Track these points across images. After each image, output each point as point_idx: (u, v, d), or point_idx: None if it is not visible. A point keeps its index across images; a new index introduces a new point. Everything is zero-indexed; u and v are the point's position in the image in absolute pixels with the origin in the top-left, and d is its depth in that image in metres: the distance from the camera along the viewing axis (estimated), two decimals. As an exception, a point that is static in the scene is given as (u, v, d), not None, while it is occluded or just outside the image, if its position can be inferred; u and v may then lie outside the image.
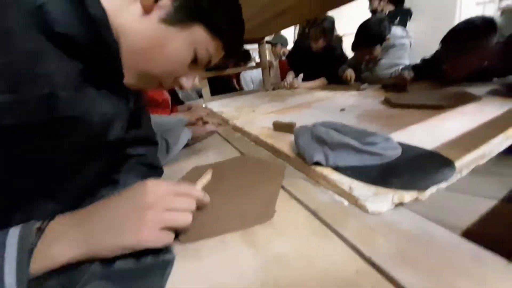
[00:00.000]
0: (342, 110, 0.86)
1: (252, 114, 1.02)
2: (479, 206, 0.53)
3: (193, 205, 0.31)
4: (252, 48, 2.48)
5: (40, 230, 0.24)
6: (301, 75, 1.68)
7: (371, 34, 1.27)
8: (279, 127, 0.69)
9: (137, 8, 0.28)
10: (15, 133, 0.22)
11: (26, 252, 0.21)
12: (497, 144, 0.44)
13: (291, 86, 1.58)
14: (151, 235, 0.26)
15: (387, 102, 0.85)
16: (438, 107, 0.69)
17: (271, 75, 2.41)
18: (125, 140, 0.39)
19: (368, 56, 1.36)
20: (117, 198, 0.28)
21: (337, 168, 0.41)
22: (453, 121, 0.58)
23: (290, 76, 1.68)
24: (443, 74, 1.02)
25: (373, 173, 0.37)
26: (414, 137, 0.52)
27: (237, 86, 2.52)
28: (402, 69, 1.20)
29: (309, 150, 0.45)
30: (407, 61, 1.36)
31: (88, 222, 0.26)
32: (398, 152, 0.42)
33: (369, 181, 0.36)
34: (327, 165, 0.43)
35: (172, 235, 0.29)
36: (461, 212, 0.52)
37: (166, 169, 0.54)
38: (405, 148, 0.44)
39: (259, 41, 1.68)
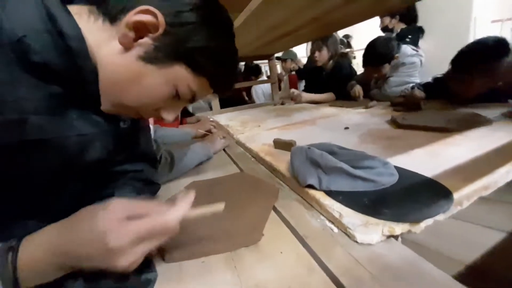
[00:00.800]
0: (346, 128, 0.85)
1: (256, 129, 1.03)
2: (484, 237, 0.50)
3: (163, 239, 0.28)
4: (263, 63, 2.54)
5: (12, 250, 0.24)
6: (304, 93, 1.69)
7: (378, 54, 1.27)
8: (279, 145, 0.69)
9: (117, 44, 0.29)
10: None
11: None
12: (504, 174, 0.42)
13: (294, 99, 1.58)
14: (123, 266, 0.25)
15: (393, 122, 0.83)
16: (445, 130, 0.67)
17: (281, 89, 2.44)
18: (112, 160, 0.39)
19: (377, 74, 1.35)
20: (83, 218, 0.26)
21: (329, 193, 0.41)
22: (458, 146, 0.56)
23: (295, 91, 1.70)
24: (454, 93, 1.00)
25: (365, 200, 0.36)
26: (415, 162, 0.51)
27: (247, 99, 2.57)
28: (412, 87, 1.17)
29: (303, 173, 0.45)
30: (417, 79, 1.33)
31: (59, 237, 0.26)
32: (394, 179, 0.41)
33: (360, 209, 0.35)
34: (320, 189, 0.42)
35: (139, 261, 0.26)
36: (463, 243, 0.49)
37: (164, 187, 0.55)
38: (403, 174, 0.43)
39: (268, 57, 1.72)
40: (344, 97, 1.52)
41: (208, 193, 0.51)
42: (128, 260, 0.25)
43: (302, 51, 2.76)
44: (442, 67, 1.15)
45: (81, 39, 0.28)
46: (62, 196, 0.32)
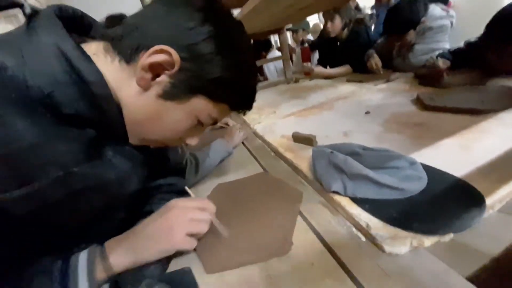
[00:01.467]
0: (367, 113, 0.81)
1: (272, 116, 1.02)
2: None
3: (208, 216, 0.39)
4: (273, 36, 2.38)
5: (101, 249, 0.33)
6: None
7: (401, 20, 1.14)
8: (298, 139, 0.69)
9: (136, 85, 0.30)
10: (36, 214, 0.26)
11: (93, 265, 0.31)
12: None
13: (307, 70, 1.52)
14: (180, 240, 0.36)
15: (419, 103, 0.78)
16: (478, 112, 0.62)
17: (293, 62, 2.32)
18: (149, 188, 0.44)
19: (400, 42, 1.23)
20: (152, 217, 0.37)
21: (355, 199, 0.41)
22: (493, 135, 0.53)
23: (309, 65, 1.61)
24: (488, 63, 0.90)
25: (393, 211, 0.37)
26: (445, 157, 0.49)
27: (259, 77, 2.48)
28: (438, 56, 1.07)
29: (327, 178, 0.45)
30: (447, 45, 1.20)
31: (132, 238, 0.35)
32: (422, 184, 0.40)
33: (388, 220, 0.36)
34: (345, 195, 0.43)
35: (195, 242, 0.38)
36: (489, 233, 0.48)
37: (192, 190, 0.58)
38: (432, 176, 0.42)
39: (279, 31, 1.61)
40: (362, 69, 1.42)
41: (233, 197, 0.53)
42: (183, 228, 0.36)
43: (314, 18, 2.54)
44: (477, 27, 1.02)
45: (104, 84, 0.28)
46: (108, 224, 0.36)
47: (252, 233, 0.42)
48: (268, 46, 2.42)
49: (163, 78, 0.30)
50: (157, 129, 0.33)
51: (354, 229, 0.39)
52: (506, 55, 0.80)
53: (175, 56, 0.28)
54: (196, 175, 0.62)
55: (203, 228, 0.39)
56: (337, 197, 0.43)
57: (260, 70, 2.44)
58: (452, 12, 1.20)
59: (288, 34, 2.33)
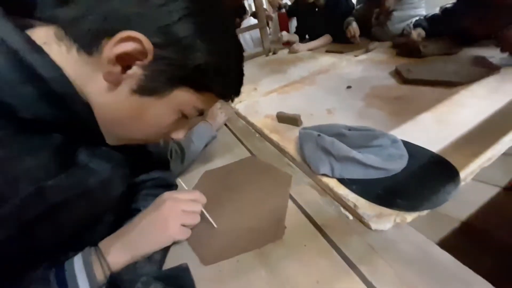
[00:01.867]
0: (349, 87, 0.81)
1: (254, 93, 0.98)
2: (480, 193, 0.56)
3: (199, 207, 0.41)
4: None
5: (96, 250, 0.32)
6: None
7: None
8: (283, 119, 0.68)
9: (103, 81, 0.25)
10: (15, 237, 0.24)
11: (90, 266, 0.30)
12: (507, 142, 0.44)
13: (293, 51, 1.45)
14: (176, 230, 0.37)
15: (397, 75, 0.80)
16: (452, 84, 0.65)
17: (270, 30, 2.19)
18: (132, 185, 0.41)
19: (378, 9, 1.20)
20: (146, 211, 0.38)
21: (342, 181, 0.43)
22: (466, 107, 0.56)
23: (288, 36, 1.53)
24: (463, 29, 0.92)
25: (378, 190, 0.39)
26: (423, 131, 0.52)
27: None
28: (414, 24, 1.07)
29: (315, 161, 0.46)
30: (423, 11, 1.19)
31: (127, 234, 0.35)
32: (404, 162, 0.42)
33: (373, 199, 0.38)
34: (332, 176, 0.44)
35: (189, 232, 0.39)
36: (459, 199, 0.53)
37: (180, 178, 0.57)
38: (412, 153, 0.44)
39: (254, -5, 1.48)
40: (341, 38, 1.39)
41: (223, 184, 0.53)
42: (177, 219, 0.37)
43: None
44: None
45: (64, 80, 0.24)
46: (97, 229, 0.34)
47: (244, 220, 0.42)
48: (243, 12, 2.24)
49: (136, 71, 0.25)
50: (136, 128, 0.29)
51: (342, 209, 0.41)
52: (481, 19, 0.81)
53: (147, 43, 0.23)
54: (183, 164, 0.60)
55: (196, 219, 0.40)
56: (325, 179, 0.45)
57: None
58: (430, -25, 1.17)
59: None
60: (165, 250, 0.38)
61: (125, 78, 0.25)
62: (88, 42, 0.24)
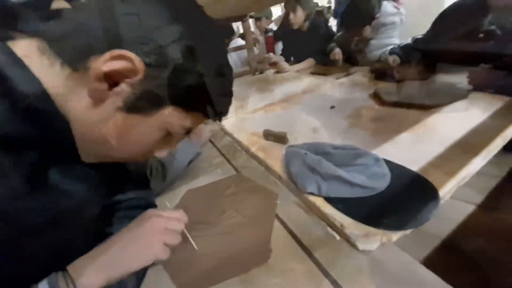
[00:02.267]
0: (332, 107, 0.84)
1: (240, 111, 0.99)
2: (456, 211, 0.58)
3: (181, 226, 0.38)
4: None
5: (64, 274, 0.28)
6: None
7: (359, 14, 1.20)
8: (270, 137, 0.68)
9: (87, 97, 0.24)
10: None
11: None
12: (480, 162, 0.47)
13: (280, 69, 1.51)
14: (159, 248, 0.33)
15: (376, 98, 0.84)
16: (426, 107, 0.70)
17: (257, 52, 2.28)
18: (107, 206, 0.38)
19: (357, 37, 1.29)
20: (126, 229, 0.34)
21: (329, 199, 0.42)
22: (440, 128, 0.60)
23: (275, 58, 1.60)
24: (433, 58, 1.01)
25: (364, 209, 0.39)
26: (403, 150, 0.54)
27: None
28: (390, 52, 1.16)
29: (301, 179, 0.45)
30: (397, 40, 1.31)
31: (104, 253, 0.31)
32: (387, 180, 0.43)
33: (360, 218, 0.38)
34: (319, 195, 0.44)
35: (169, 251, 0.35)
36: (438, 217, 0.55)
37: (159, 198, 0.54)
38: (394, 171, 0.45)
39: (242, 18, 1.55)
40: (323, 62, 1.48)
41: (206, 203, 0.51)
42: (159, 239, 0.33)
43: (278, 11, 2.51)
44: (421, 25, 1.12)
45: (44, 96, 0.22)
46: (68, 256, 0.30)
47: (228, 243, 0.40)
48: (230, 33, 2.33)
49: (123, 88, 0.24)
50: (119, 146, 0.27)
51: (329, 229, 0.40)
52: (448, 48, 0.90)
53: (139, 63, 0.23)
54: (164, 182, 0.57)
55: (178, 239, 0.37)
56: (312, 198, 0.44)
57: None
58: (402, 9, 1.30)
59: (251, 22, 2.26)
60: (141, 275, 0.35)
61: (112, 95, 0.24)
62: (74, 57, 0.23)
